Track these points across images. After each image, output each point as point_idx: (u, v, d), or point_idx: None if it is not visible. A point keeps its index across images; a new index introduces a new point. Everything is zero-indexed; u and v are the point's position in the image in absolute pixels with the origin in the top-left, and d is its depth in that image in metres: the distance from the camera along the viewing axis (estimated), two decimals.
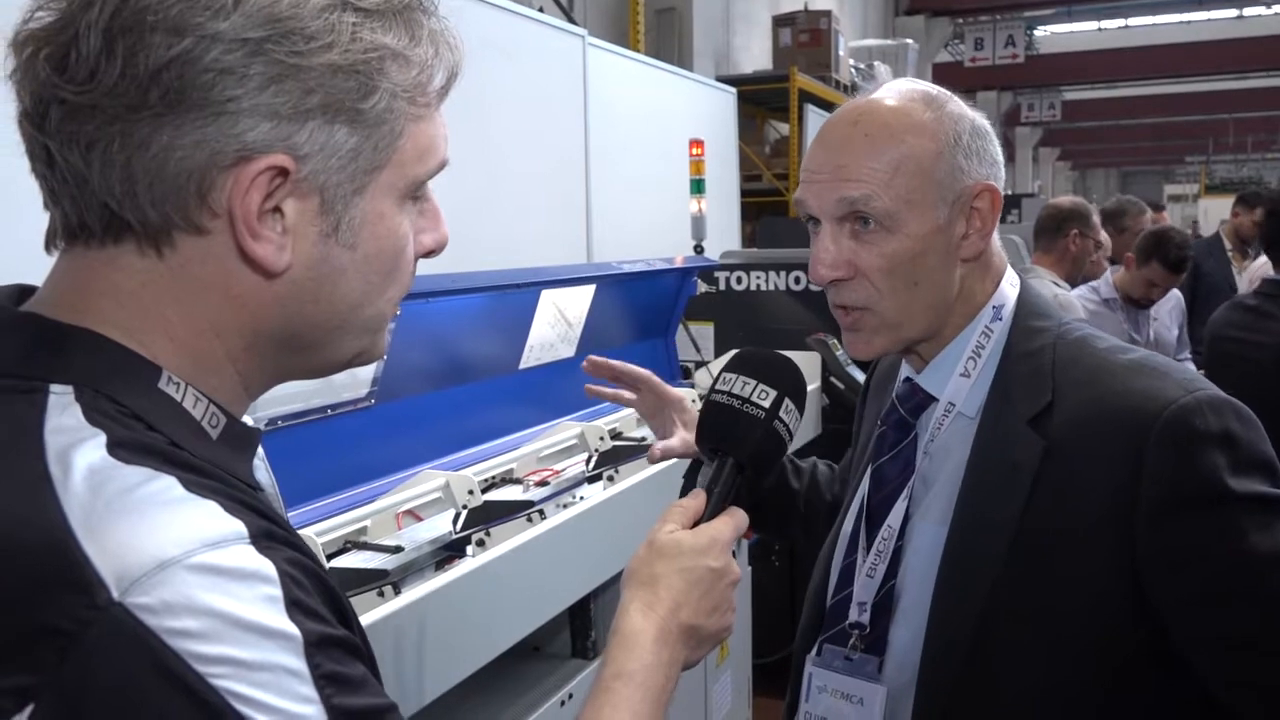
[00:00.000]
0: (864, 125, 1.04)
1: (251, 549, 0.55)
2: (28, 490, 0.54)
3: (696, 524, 0.90)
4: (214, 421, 0.64)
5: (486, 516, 1.82)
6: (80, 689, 0.50)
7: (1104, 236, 3.88)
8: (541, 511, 1.86)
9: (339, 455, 2.00)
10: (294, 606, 0.55)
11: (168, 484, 0.56)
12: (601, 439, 2.34)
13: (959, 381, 1.08)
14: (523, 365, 2.62)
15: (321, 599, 0.59)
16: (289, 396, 1.90)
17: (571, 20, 5.35)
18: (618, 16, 7.09)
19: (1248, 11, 16.66)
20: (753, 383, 0.95)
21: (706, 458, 0.97)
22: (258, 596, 0.54)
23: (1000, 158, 1.10)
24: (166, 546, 0.53)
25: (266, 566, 0.55)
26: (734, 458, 0.94)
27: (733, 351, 1.01)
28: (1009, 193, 16.82)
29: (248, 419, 0.70)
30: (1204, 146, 25.65)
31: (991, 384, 1.07)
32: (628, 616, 0.83)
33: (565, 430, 2.39)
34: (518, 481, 2.15)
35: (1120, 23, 18.17)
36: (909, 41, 11.07)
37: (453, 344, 2.36)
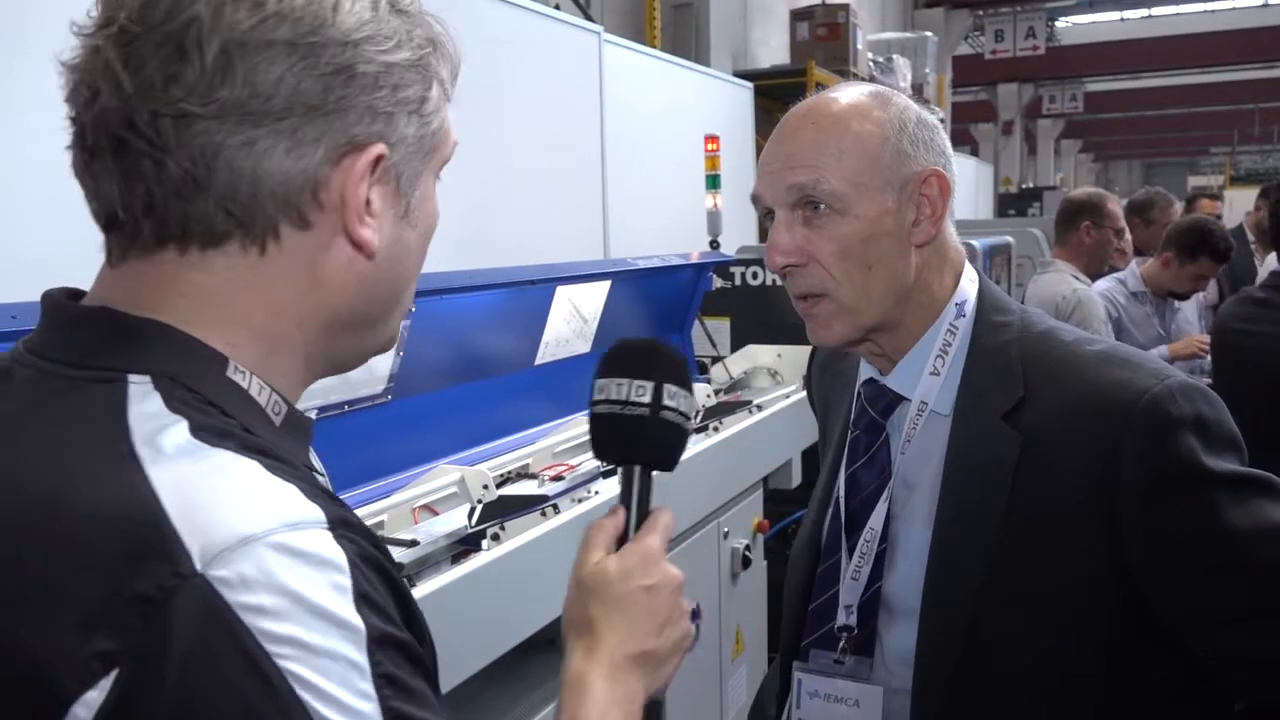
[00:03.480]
0: (812, 117, 1.09)
1: (329, 536, 0.57)
2: (119, 469, 0.57)
3: (623, 539, 0.86)
4: (277, 409, 0.67)
5: (501, 511, 1.83)
6: (159, 654, 0.52)
7: (1123, 225, 3.85)
8: (555, 506, 1.87)
9: (356, 450, 2.02)
10: (361, 599, 0.56)
11: (251, 467, 0.59)
12: None
13: (929, 380, 1.09)
14: (538, 361, 2.63)
15: (391, 599, 0.60)
16: (308, 393, 1.92)
17: (588, 17, 5.36)
18: (634, 12, 7.09)
19: None
20: (626, 381, 0.90)
21: (613, 468, 0.95)
22: (329, 583, 0.55)
23: (949, 151, 1.12)
24: (249, 524, 0.55)
25: (340, 555, 0.56)
26: (638, 463, 0.90)
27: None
28: (1030, 185, 16.76)
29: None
30: (1229, 137, 25.34)
31: (961, 381, 1.09)
32: (570, 662, 0.80)
33: (580, 425, 2.41)
34: (533, 476, 2.16)
35: (1143, 12, 17.96)
36: (928, 34, 11.00)
37: (468, 340, 2.38)
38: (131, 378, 0.61)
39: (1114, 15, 18.11)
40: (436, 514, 1.91)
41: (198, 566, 0.53)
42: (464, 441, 2.33)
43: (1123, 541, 0.98)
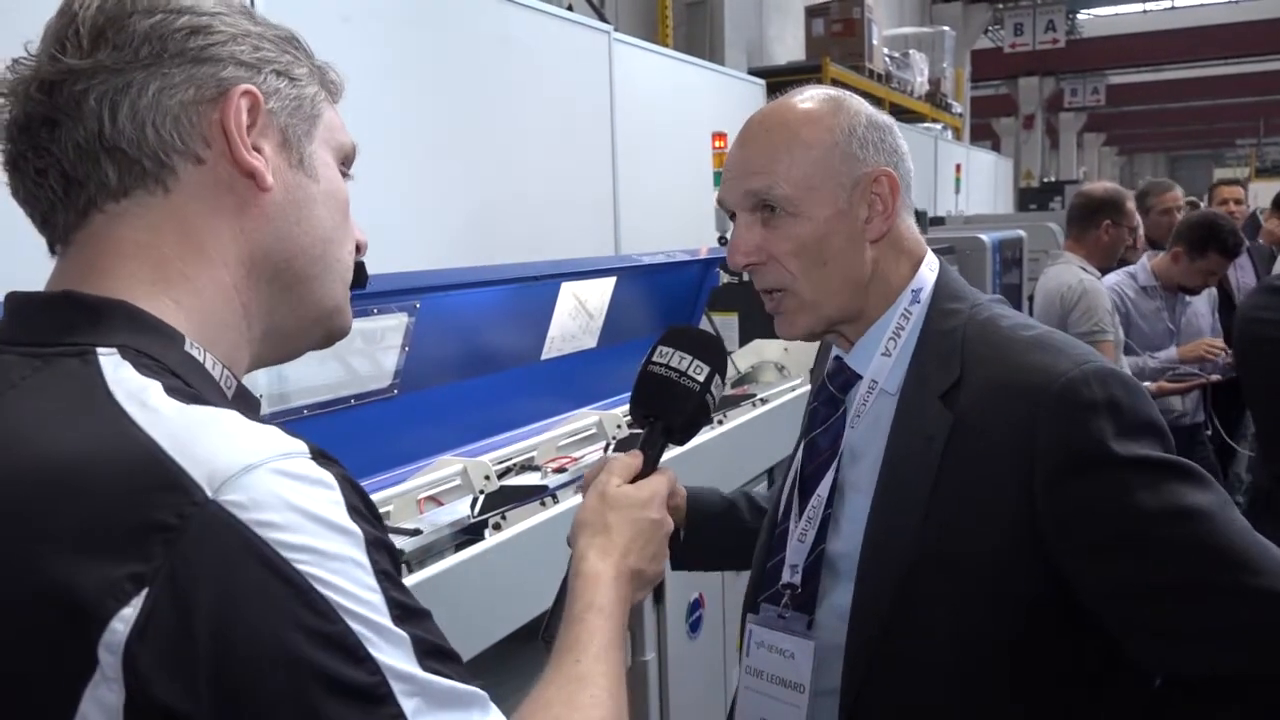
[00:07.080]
0: (767, 124, 1.15)
1: (314, 462, 0.65)
2: (113, 425, 0.63)
3: (635, 479, 1.01)
4: (228, 383, 0.75)
5: (503, 501, 1.87)
6: (188, 574, 0.58)
7: (1138, 222, 3.84)
8: (554, 496, 1.91)
9: (363, 443, 2.07)
10: (352, 510, 0.64)
11: (232, 415, 0.66)
12: (619, 426, 2.39)
13: (881, 360, 1.16)
14: (544, 356, 2.67)
15: (370, 512, 0.68)
16: (316, 388, 1.98)
17: (601, 17, 5.39)
18: (648, 11, 7.12)
19: None
20: (689, 358, 1.04)
21: (639, 422, 1.08)
22: (326, 498, 0.63)
23: (903, 149, 1.17)
24: (247, 455, 0.62)
25: (328, 476, 0.64)
26: (666, 424, 1.05)
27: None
28: (1052, 179, 16.62)
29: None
30: (1254, 129, 25.04)
31: (910, 362, 1.15)
32: (587, 560, 0.93)
33: (583, 419, 2.44)
34: (536, 469, 2.20)
35: (1166, 3, 17.78)
36: (945, 29, 10.97)
37: (474, 336, 2.42)
38: (100, 350, 0.68)
39: (1136, 7, 17.93)
40: (442, 505, 1.95)
41: (209, 494, 0.59)
42: (470, 435, 2.37)
43: (1039, 519, 1.03)
